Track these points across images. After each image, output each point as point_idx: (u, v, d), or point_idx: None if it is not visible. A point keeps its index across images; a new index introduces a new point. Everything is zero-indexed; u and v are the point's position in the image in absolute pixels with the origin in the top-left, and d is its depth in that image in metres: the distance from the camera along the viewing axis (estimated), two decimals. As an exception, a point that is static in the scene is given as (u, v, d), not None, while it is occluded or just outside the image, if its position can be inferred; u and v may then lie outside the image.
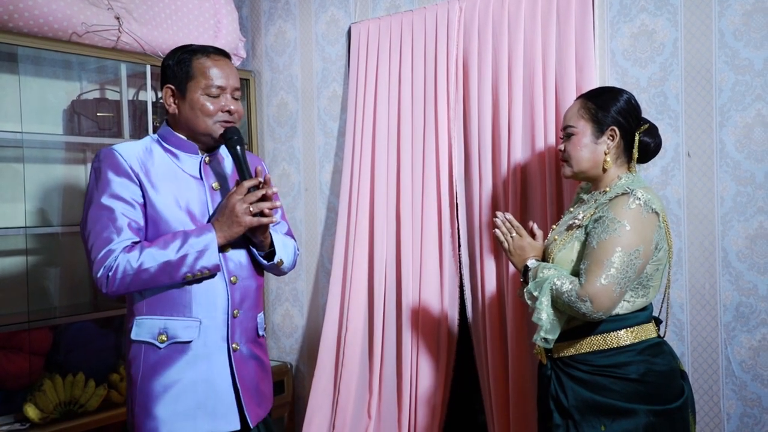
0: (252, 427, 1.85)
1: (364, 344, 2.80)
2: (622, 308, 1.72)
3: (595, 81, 2.25)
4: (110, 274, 1.67)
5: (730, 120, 2.11)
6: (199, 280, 1.77)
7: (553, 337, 1.72)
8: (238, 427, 1.80)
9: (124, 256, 1.68)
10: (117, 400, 2.68)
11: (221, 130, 1.80)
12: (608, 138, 1.80)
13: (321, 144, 3.06)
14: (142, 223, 1.75)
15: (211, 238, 1.72)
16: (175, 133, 1.84)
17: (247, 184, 1.73)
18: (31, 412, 2.44)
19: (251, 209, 1.72)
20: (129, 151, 1.79)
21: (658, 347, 1.75)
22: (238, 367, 1.82)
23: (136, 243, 1.71)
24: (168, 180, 1.80)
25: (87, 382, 2.59)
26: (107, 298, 1.76)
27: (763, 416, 2.09)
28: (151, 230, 1.77)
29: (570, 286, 1.68)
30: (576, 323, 1.75)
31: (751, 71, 2.08)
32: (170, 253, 1.69)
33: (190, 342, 1.76)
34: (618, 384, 1.69)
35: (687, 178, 2.18)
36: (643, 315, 1.76)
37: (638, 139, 1.80)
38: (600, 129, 1.80)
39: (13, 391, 2.51)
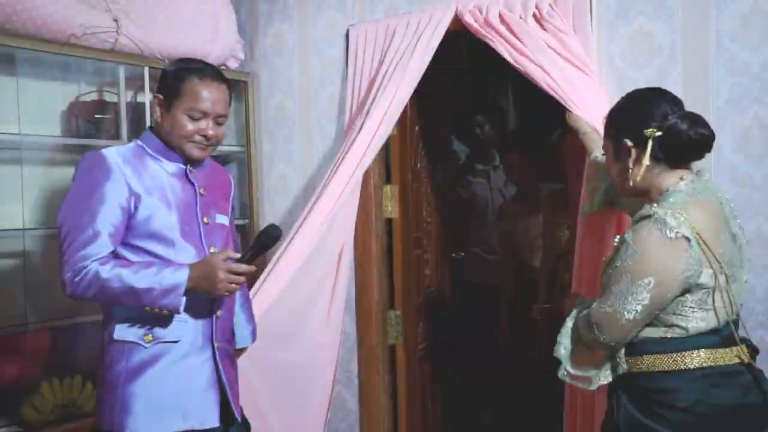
0: (239, 420, 1.93)
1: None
2: (674, 333, 1.57)
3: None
4: (77, 279, 1.71)
5: (728, 122, 2.11)
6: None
7: (585, 373, 1.65)
8: (218, 425, 1.85)
9: (95, 266, 1.71)
10: (115, 402, 2.67)
11: (195, 152, 1.88)
12: (625, 152, 1.64)
13: (319, 146, 3.05)
14: (122, 229, 1.78)
15: (183, 281, 1.74)
16: (160, 141, 1.89)
17: (243, 269, 1.78)
18: (29, 414, 2.44)
19: (231, 287, 1.78)
20: (118, 154, 1.83)
21: (727, 377, 1.56)
22: (222, 364, 1.89)
23: (113, 254, 1.75)
24: (157, 184, 1.84)
25: (84, 384, 2.58)
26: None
27: (760, 418, 2.09)
28: (142, 232, 1.81)
29: (586, 312, 1.62)
30: (634, 340, 1.62)
31: (749, 74, 2.08)
32: (139, 281, 1.71)
33: (177, 342, 1.80)
34: (667, 411, 1.55)
35: (685, 180, 2.18)
36: (707, 339, 1.56)
37: (651, 138, 1.58)
38: (618, 145, 1.66)
39: (11, 394, 2.50)
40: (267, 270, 2.54)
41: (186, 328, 1.83)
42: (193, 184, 1.91)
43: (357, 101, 2.80)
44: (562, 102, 2.20)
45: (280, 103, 3.17)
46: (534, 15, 2.33)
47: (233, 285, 1.77)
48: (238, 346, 2.19)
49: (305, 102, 3.09)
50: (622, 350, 1.63)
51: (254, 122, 3.21)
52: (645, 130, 1.58)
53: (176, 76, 1.86)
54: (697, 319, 1.56)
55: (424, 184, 3.25)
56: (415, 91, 2.74)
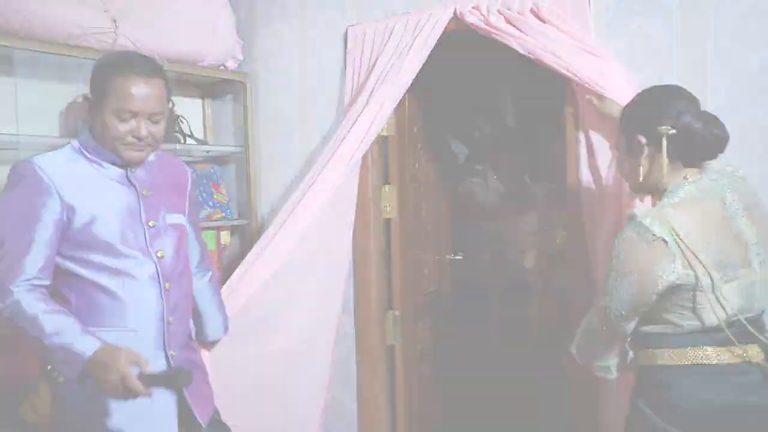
0: (204, 425, 1.89)
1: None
2: (670, 329, 1.60)
3: (591, 84, 2.25)
4: (1, 305, 1.66)
5: (725, 123, 2.10)
6: (130, 287, 1.77)
7: (601, 363, 1.72)
8: None
9: (21, 294, 1.65)
10: (113, 403, 2.67)
11: (129, 154, 1.78)
12: (637, 148, 1.65)
13: (318, 147, 3.05)
14: (56, 245, 1.72)
15: (85, 354, 1.60)
16: (95, 143, 1.80)
17: (134, 387, 1.56)
18: (27, 415, 2.43)
19: (115, 394, 1.59)
20: (50, 164, 1.75)
21: (723, 375, 1.55)
22: None
23: (47, 272, 1.69)
24: (94, 191, 1.77)
25: (83, 385, 2.58)
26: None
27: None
28: (82, 242, 1.74)
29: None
30: (639, 333, 1.66)
31: (747, 74, 2.08)
32: (47, 337, 1.62)
33: None
34: (664, 405, 1.58)
35: (683, 180, 2.18)
36: (703, 337, 1.57)
37: (665, 137, 1.58)
38: (630, 141, 1.67)
39: (9, 394, 2.50)
40: (248, 260, 2.52)
41: (135, 339, 1.76)
42: (135, 186, 1.84)
43: (352, 99, 2.79)
44: (592, 89, 2.17)
45: (279, 104, 3.17)
46: (532, 11, 2.33)
47: (120, 393, 1.58)
48: (210, 338, 2.18)
49: (304, 102, 3.09)
50: (628, 341, 1.68)
51: (253, 123, 3.21)
52: (659, 128, 1.58)
53: (101, 74, 1.75)
54: (690, 317, 1.57)
55: (423, 185, 3.25)
56: (414, 91, 2.75)
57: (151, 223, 1.83)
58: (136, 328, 1.78)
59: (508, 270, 3.49)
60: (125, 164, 1.83)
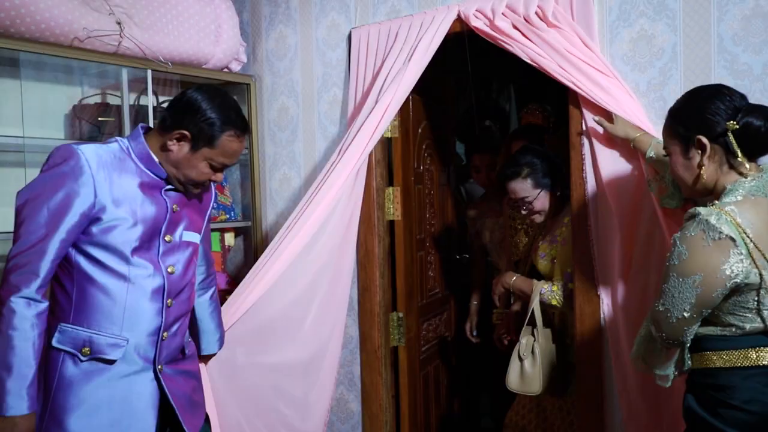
0: None
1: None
2: (731, 331, 1.58)
3: (594, 85, 2.25)
4: (2, 308, 1.64)
5: (730, 124, 2.11)
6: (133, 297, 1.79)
7: (662, 372, 1.69)
8: None
9: (19, 305, 1.64)
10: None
11: (196, 191, 1.90)
12: (697, 150, 1.62)
13: (322, 148, 3.06)
14: (75, 237, 1.71)
15: (7, 409, 1.61)
16: (153, 156, 1.83)
17: None
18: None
19: None
20: (94, 155, 1.75)
21: None
22: (168, 384, 1.84)
23: (44, 293, 1.69)
24: (128, 195, 1.78)
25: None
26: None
27: None
28: (98, 241, 1.75)
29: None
30: (697, 336, 1.64)
31: (750, 76, 2.08)
32: (9, 367, 1.62)
33: (113, 362, 1.75)
34: (722, 407, 1.56)
35: (686, 182, 2.18)
36: (765, 339, 1.57)
37: (731, 132, 1.57)
38: (687, 143, 1.63)
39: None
40: (259, 264, 2.53)
41: (125, 350, 1.77)
42: (165, 200, 1.86)
43: (359, 103, 2.80)
44: (596, 102, 2.20)
45: (283, 106, 3.18)
46: (537, 15, 2.33)
47: None
48: (204, 353, 2.20)
49: (308, 104, 3.10)
50: (687, 348, 1.64)
51: (257, 124, 3.22)
52: (726, 123, 1.56)
53: (214, 126, 1.78)
54: (752, 319, 1.56)
55: (427, 186, 3.25)
56: (418, 92, 2.75)
57: (167, 238, 1.85)
58: (129, 338, 1.78)
59: (482, 269, 3.48)
60: (169, 181, 1.87)
